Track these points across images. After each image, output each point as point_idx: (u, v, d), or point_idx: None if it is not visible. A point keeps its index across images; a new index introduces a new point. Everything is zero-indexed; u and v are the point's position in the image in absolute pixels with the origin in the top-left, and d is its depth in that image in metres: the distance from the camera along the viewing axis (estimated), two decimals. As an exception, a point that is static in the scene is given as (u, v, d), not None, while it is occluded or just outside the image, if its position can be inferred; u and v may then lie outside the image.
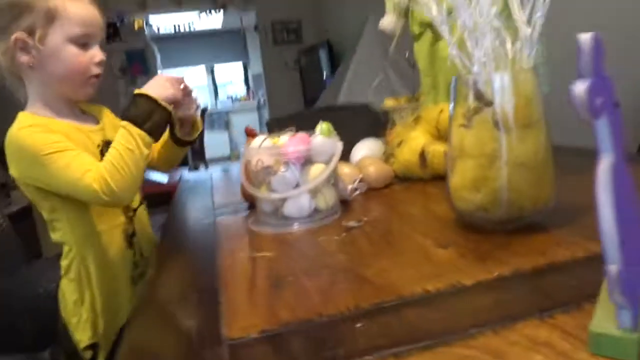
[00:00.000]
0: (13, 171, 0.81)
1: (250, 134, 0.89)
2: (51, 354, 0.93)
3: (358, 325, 0.43)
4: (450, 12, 0.66)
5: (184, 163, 4.07)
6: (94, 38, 0.87)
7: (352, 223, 0.73)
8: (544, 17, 0.61)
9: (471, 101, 0.62)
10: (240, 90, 8.00)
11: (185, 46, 6.99)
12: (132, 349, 0.45)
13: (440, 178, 0.83)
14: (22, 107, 0.85)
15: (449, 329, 0.40)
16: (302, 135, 0.76)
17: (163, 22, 5.64)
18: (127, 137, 0.78)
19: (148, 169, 1.05)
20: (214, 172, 1.44)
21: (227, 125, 7.33)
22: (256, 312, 0.48)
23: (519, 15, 0.62)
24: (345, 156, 1.06)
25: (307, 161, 0.77)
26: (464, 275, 0.51)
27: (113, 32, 5.05)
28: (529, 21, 0.61)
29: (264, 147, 0.76)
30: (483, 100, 0.61)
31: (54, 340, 0.94)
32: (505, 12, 0.66)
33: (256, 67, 6.39)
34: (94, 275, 0.88)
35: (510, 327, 0.39)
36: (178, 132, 0.97)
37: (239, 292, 0.54)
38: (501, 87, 0.60)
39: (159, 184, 2.47)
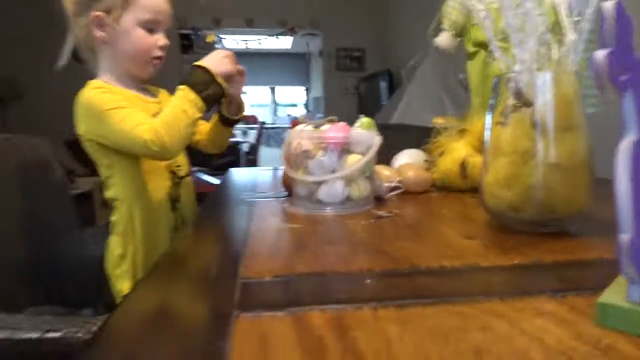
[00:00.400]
0: (80, 128, 0.89)
1: (295, 125, 0.93)
2: (93, 307, 1.00)
3: (367, 281, 0.44)
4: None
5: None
6: (161, 25, 0.97)
7: (382, 213, 0.74)
8: (591, 23, 0.61)
9: (510, 99, 0.62)
10: (301, 112, 8.22)
11: (252, 64, 7.29)
12: (151, 285, 0.48)
13: (479, 189, 0.83)
14: (92, 77, 0.95)
15: (456, 294, 0.41)
16: (342, 124, 0.79)
17: (234, 38, 5.93)
18: (183, 99, 0.87)
19: (196, 150, 1.12)
20: (262, 170, 1.50)
21: (283, 143, 7.51)
22: (275, 263, 0.50)
23: (566, 21, 0.62)
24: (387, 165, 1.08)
25: (345, 150, 0.79)
26: (483, 259, 0.51)
27: (187, 44, 5.37)
28: (575, 27, 0.62)
29: (305, 132, 0.79)
30: (522, 100, 0.61)
31: (96, 299, 1.01)
32: (552, 17, 0.67)
33: (317, 90, 6.55)
34: (139, 230, 0.95)
35: (519, 299, 0.39)
36: (225, 110, 1.03)
37: (263, 248, 0.56)
38: (542, 87, 0.61)
39: (210, 185, 2.58)
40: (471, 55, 1.21)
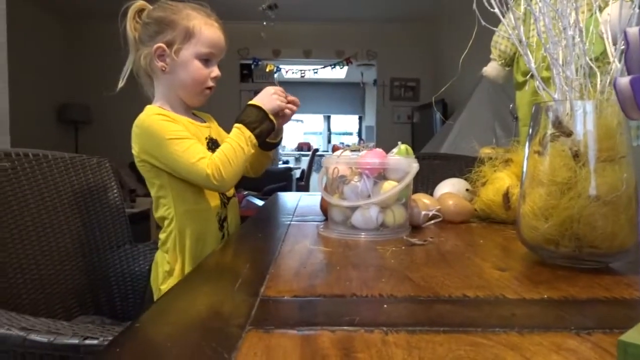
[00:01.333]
0: (136, 149, 0.96)
1: (335, 150, 0.94)
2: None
3: (385, 306, 0.44)
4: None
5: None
6: (216, 57, 1.03)
7: (415, 240, 0.73)
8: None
9: (549, 129, 0.61)
10: (354, 140, 8.30)
11: (308, 93, 7.47)
12: (177, 294, 0.50)
13: (521, 220, 0.81)
14: (148, 102, 1.02)
15: (473, 324, 0.40)
16: (379, 150, 0.80)
17: (291, 67, 6.12)
18: (239, 137, 0.94)
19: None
20: (306, 195, 1.52)
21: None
22: (296, 283, 0.51)
23: (611, 48, 0.61)
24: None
25: (381, 176, 0.79)
26: (510, 291, 0.49)
27: (246, 73, 5.60)
28: (621, 55, 0.60)
29: (342, 157, 0.80)
30: (561, 129, 0.60)
31: (140, 311, 1.05)
32: (601, 46, 0.65)
33: (371, 119, 6.60)
34: (188, 248, 0.99)
35: (539, 333, 0.38)
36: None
37: (289, 268, 0.57)
38: (582, 116, 0.59)
39: (257, 207, 2.65)
40: (520, 85, 1.19)
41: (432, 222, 0.91)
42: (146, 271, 1.17)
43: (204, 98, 1.04)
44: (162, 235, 1.02)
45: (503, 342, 0.36)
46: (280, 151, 7.09)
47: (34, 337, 0.63)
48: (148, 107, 0.99)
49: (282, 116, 1.06)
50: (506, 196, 0.92)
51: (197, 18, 0.99)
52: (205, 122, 1.10)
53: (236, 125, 0.97)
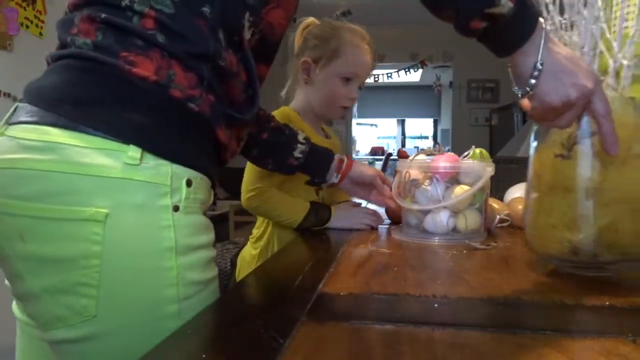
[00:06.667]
0: None
1: (402, 155, 0.96)
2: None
3: (435, 305, 0.46)
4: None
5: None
6: (357, 79, 1.05)
7: (478, 244, 0.73)
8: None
9: (574, 129, 0.57)
10: (429, 144, 8.14)
11: (381, 98, 7.43)
12: (244, 287, 0.55)
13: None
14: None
15: (523, 326, 0.40)
16: (451, 154, 0.80)
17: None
18: (298, 213, 0.94)
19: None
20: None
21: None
22: (354, 281, 0.54)
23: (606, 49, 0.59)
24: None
25: (454, 180, 0.79)
26: (570, 297, 0.48)
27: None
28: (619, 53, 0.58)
29: (414, 161, 0.81)
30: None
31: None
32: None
33: (446, 122, 6.43)
34: (276, 245, 1.01)
35: (591, 338, 0.38)
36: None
37: (349, 267, 0.60)
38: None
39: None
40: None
41: (498, 225, 0.89)
42: (223, 268, 1.25)
43: (336, 115, 1.08)
44: (255, 231, 1.07)
45: (551, 344, 0.36)
46: (354, 156, 7.13)
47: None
48: (282, 108, 1.05)
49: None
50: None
51: (348, 39, 1.02)
52: (329, 138, 1.13)
53: (309, 205, 0.95)
